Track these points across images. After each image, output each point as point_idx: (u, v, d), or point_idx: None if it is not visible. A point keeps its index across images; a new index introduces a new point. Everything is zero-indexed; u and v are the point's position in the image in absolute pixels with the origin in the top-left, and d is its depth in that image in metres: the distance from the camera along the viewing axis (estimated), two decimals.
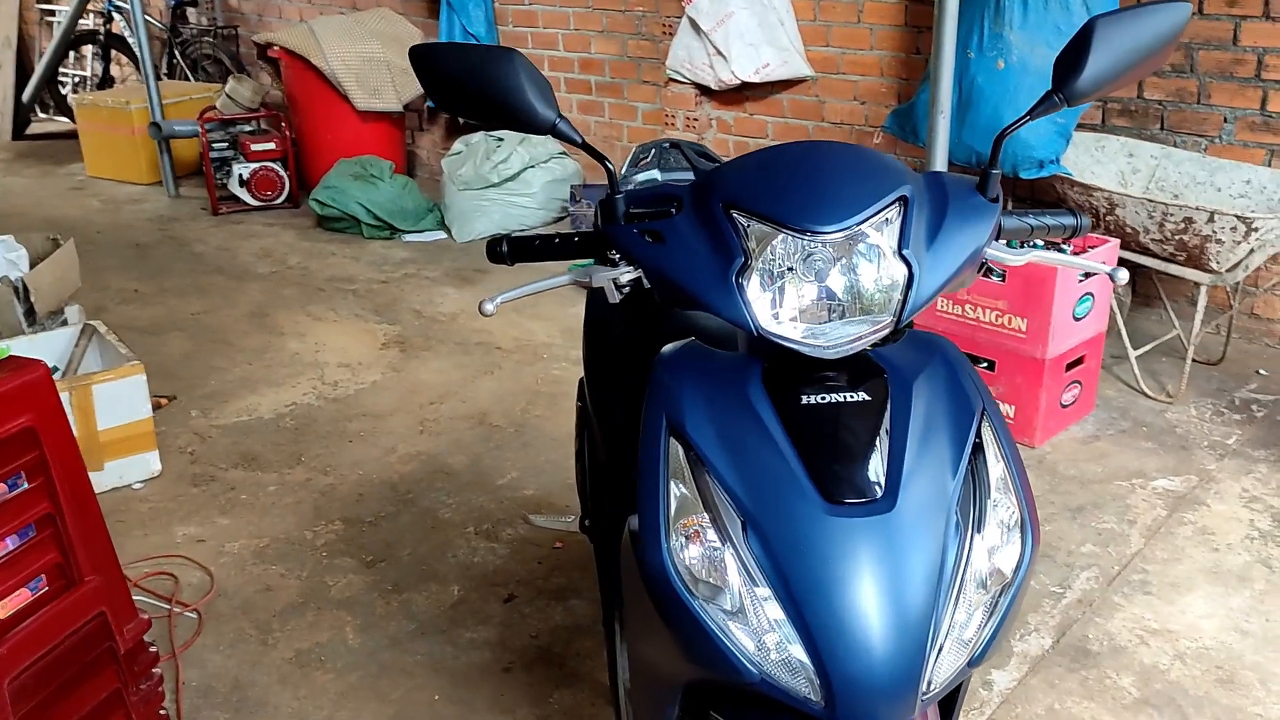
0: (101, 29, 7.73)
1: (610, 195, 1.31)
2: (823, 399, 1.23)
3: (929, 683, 1.17)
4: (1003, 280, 3.07)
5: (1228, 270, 3.31)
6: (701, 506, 1.20)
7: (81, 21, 7.75)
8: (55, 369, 3.15)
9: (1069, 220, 1.42)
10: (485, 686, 2.32)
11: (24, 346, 3.06)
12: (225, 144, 5.93)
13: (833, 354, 1.23)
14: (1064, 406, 3.27)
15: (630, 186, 2.07)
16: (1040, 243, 1.54)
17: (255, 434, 3.44)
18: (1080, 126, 3.90)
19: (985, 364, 3.21)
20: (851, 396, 1.23)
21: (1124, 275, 1.35)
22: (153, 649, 2.01)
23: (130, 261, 5.14)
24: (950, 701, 1.39)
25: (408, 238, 5.35)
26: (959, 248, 1.26)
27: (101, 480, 2.95)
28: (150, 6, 7.67)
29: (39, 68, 7.77)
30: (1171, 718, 2.20)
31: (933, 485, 1.21)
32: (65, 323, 3.50)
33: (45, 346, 3.21)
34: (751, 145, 4.98)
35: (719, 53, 4.64)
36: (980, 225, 1.28)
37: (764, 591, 1.17)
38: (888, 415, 1.24)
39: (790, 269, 1.23)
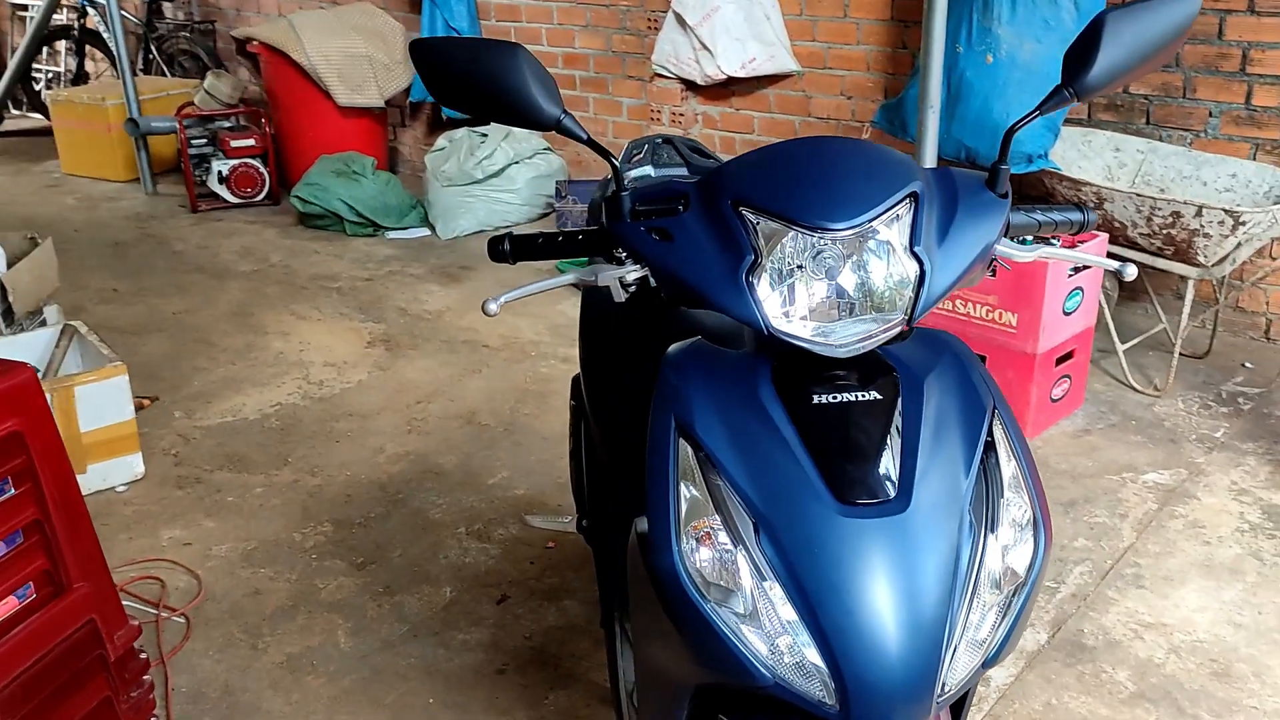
0: (75, 24, 7.62)
1: (616, 192, 1.28)
2: (834, 398, 1.21)
3: (944, 684, 1.16)
4: (993, 275, 3.06)
5: (1215, 264, 3.32)
6: (712, 508, 1.19)
7: (55, 16, 7.64)
8: (36, 371, 3.10)
9: (1076, 216, 1.41)
10: (480, 689, 2.30)
11: (3, 348, 3.00)
12: (204, 140, 5.86)
13: (844, 353, 1.21)
14: (1054, 401, 3.27)
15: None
16: (1030, 239, 1.53)
17: (240, 435, 3.39)
18: (1067, 121, 3.90)
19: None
20: (863, 395, 1.22)
21: (1132, 271, 1.34)
22: (143, 656, 1.98)
23: (108, 260, 5.07)
24: (959, 701, 1.38)
25: (391, 235, 5.30)
26: (970, 244, 1.24)
27: (84, 483, 2.88)
28: (125, 1, 7.56)
29: (12, 64, 7.65)
30: (1168, 711, 2.20)
31: (945, 485, 1.19)
32: (44, 323, 3.44)
33: (25, 348, 3.15)
34: (738, 140, 4.96)
35: (705, 47, 4.62)
36: (990, 221, 1.26)
37: (777, 594, 1.15)
38: (899, 414, 1.22)
39: (800, 267, 1.21)
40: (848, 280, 1.21)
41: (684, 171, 2.11)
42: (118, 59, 6.00)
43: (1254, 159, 3.71)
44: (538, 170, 5.31)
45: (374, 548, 2.80)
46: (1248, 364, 3.72)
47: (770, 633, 1.16)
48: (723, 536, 1.18)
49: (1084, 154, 3.80)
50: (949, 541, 1.17)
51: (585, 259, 1.50)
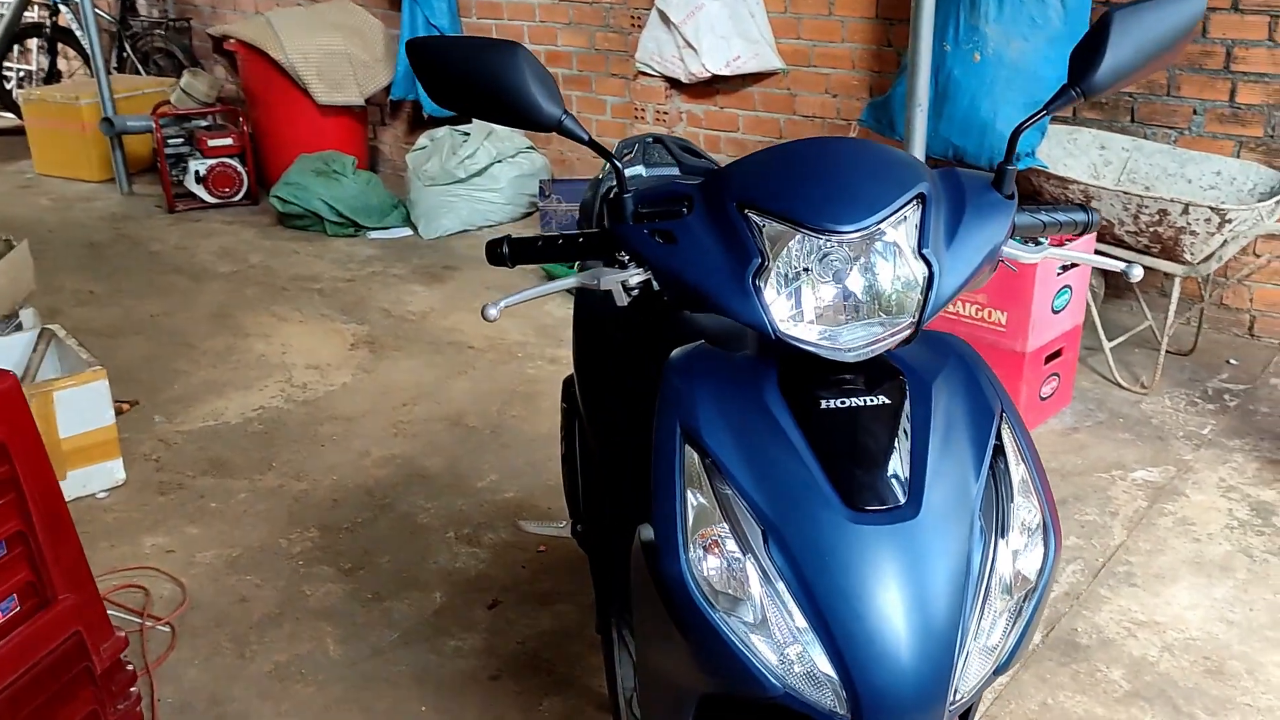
0: (47, 22, 7.52)
1: (619, 194, 1.26)
2: (842, 403, 1.19)
3: (956, 692, 1.15)
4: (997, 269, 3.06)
5: (1201, 262, 3.33)
6: (720, 516, 1.17)
7: (26, 14, 7.53)
8: (17, 378, 3.04)
9: (1080, 216, 1.40)
10: (473, 696, 2.27)
11: None
12: (181, 140, 5.78)
13: (852, 357, 1.20)
14: (1043, 399, 3.28)
15: (613, 182, 2.03)
16: (1034, 239, 1.52)
17: (223, 439, 3.35)
18: (1053, 119, 3.90)
19: None
20: (870, 400, 1.20)
21: (1138, 272, 1.33)
22: (129, 667, 1.94)
23: (84, 262, 5.00)
24: (966, 710, 1.36)
25: (372, 235, 5.25)
26: (978, 245, 1.23)
27: (64, 490, 2.80)
28: None
29: None
30: (1163, 710, 2.20)
31: (955, 490, 1.18)
32: (20, 327, 3.38)
33: (1, 352, 3.10)
34: (722, 139, 4.95)
35: (689, 45, 4.60)
36: (998, 222, 1.25)
37: (787, 602, 1.13)
38: (907, 418, 1.21)
39: (806, 269, 1.20)
40: (855, 283, 1.19)
41: (676, 171, 2.09)
42: (91, 57, 5.91)
43: (1238, 156, 3.72)
44: (521, 169, 5.28)
45: (362, 553, 2.76)
46: (1232, 360, 3.74)
47: (780, 642, 1.14)
48: (731, 544, 1.16)
49: (1070, 152, 3.80)
50: (960, 547, 1.16)
51: (573, 262, 1.47)
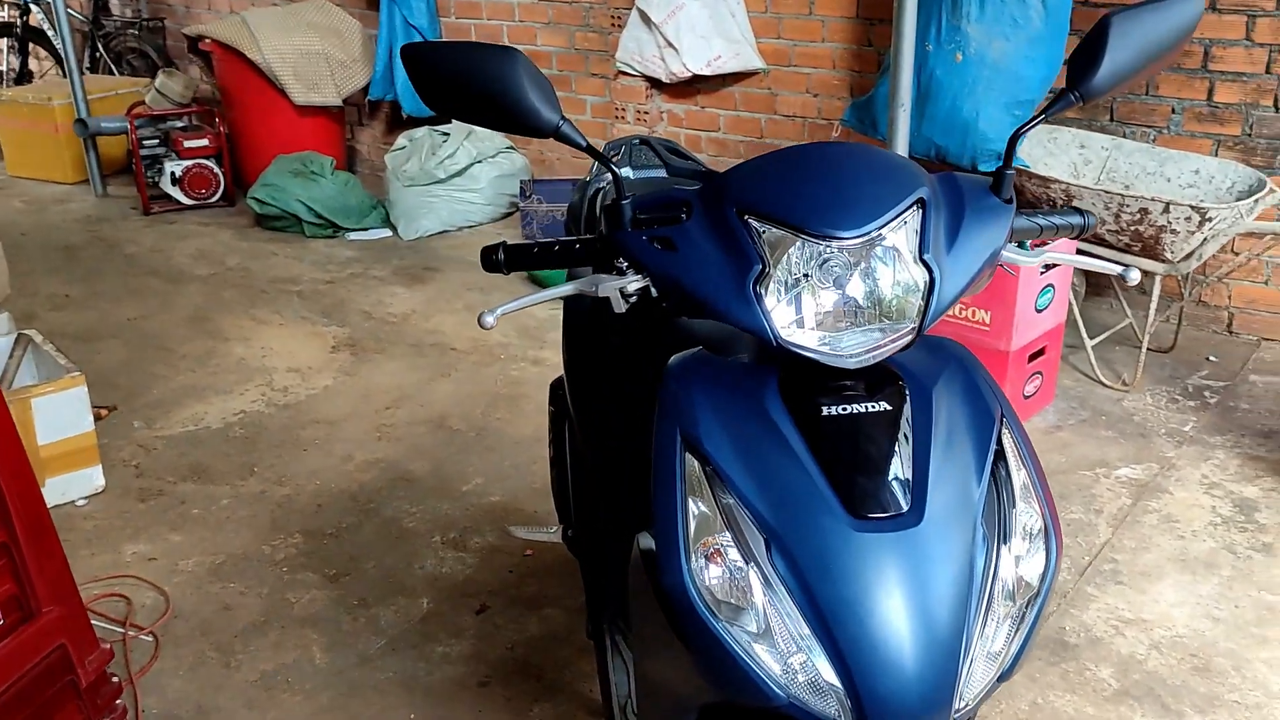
0: (18, 22, 7.41)
1: (616, 200, 1.25)
2: (843, 410, 1.19)
3: (961, 699, 1.14)
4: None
5: (1181, 260, 3.36)
6: (722, 525, 1.16)
7: None
8: None
9: (1076, 220, 1.40)
10: (462, 703, 2.26)
11: None
12: (156, 141, 5.72)
13: (853, 364, 1.19)
14: (1026, 398, 3.29)
15: (602, 185, 2.02)
16: (1019, 242, 1.52)
17: (203, 444, 3.31)
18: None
19: None
20: (872, 406, 1.20)
21: (1135, 275, 1.33)
22: (114, 679, 1.91)
23: (59, 265, 4.94)
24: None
25: (351, 236, 5.21)
26: (978, 250, 1.23)
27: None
28: None
29: None
30: (1152, 708, 2.21)
31: (957, 496, 1.17)
32: None
33: None
34: (703, 139, 4.94)
35: (670, 45, 4.59)
36: (997, 227, 1.25)
37: (791, 612, 1.13)
38: (908, 424, 1.20)
39: (806, 275, 1.19)
40: (856, 289, 1.19)
41: (663, 173, 2.08)
42: (64, 57, 5.84)
43: (1216, 155, 3.75)
44: (501, 169, 5.25)
45: (347, 559, 2.74)
46: (1212, 357, 3.77)
47: (783, 651, 1.13)
48: (733, 553, 1.15)
49: (1050, 151, 3.82)
50: (963, 553, 1.15)
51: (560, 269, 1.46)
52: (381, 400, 3.56)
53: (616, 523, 1.59)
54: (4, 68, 7.86)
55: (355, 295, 4.49)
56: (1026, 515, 1.21)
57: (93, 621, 2.42)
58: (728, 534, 1.15)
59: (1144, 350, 3.50)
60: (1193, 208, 3.16)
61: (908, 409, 1.21)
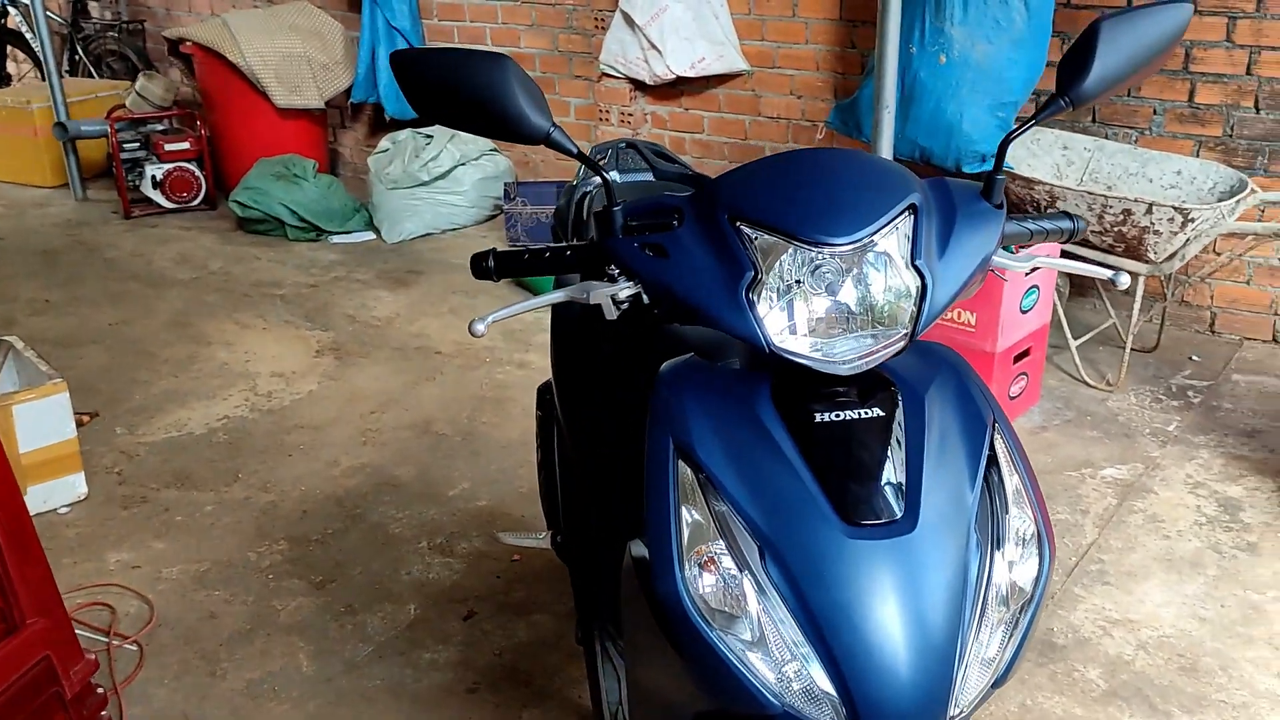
0: None
1: (607, 207, 1.24)
2: (836, 416, 1.18)
3: (956, 705, 1.14)
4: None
5: (1164, 260, 3.37)
6: (715, 533, 1.15)
7: None
8: None
9: (1066, 224, 1.41)
10: (450, 710, 2.24)
11: None
12: (136, 144, 5.67)
13: (846, 370, 1.19)
14: (1012, 399, 3.30)
15: (589, 189, 2.01)
16: (1009, 247, 1.52)
17: (187, 450, 3.28)
18: (1017, 119, 3.93)
19: None
20: (865, 413, 1.19)
21: (1125, 279, 1.34)
22: (100, 690, 1.89)
23: (39, 270, 4.89)
24: None
25: (335, 239, 5.19)
26: (969, 256, 1.23)
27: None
28: (49, 0, 7.31)
29: None
30: (1140, 709, 2.22)
31: (951, 502, 1.17)
32: None
33: None
34: (688, 140, 4.94)
35: (654, 47, 4.59)
36: (988, 232, 1.25)
37: (785, 619, 1.12)
38: (901, 429, 1.20)
39: (798, 282, 1.19)
40: (848, 295, 1.19)
41: (650, 176, 2.07)
42: (43, 61, 5.79)
43: (1197, 155, 3.78)
44: (484, 171, 5.24)
45: (333, 565, 2.72)
46: (1195, 357, 3.79)
47: (778, 659, 1.13)
48: (727, 561, 1.14)
49: (1033, 152, 3.83)
50: (956, 560, 1.15)
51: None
52: (366, 405, 3.54)
53: (608, 530, 1.58)
54: None
55: (339, 299, 4.47)
56: (1019, 520, 1.21)
57: (77, 631, 2.41)
58: (721, 542, 1.15)
59: (1128, 350, 3.52)
60: (1175, 209, 3.18)
61: (900, 415, 1.21)
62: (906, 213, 1.20)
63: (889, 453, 1.18)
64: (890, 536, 1.13)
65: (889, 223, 1.18)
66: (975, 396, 1.26)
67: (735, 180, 1.25)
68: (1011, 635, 1.19)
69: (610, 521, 1.59)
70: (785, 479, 1.16)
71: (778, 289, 1.18)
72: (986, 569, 1.17)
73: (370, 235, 5.22)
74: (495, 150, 5.33)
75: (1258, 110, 3.67)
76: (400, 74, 1.25)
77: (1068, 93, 1.26)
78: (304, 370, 3.81)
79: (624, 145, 2.13)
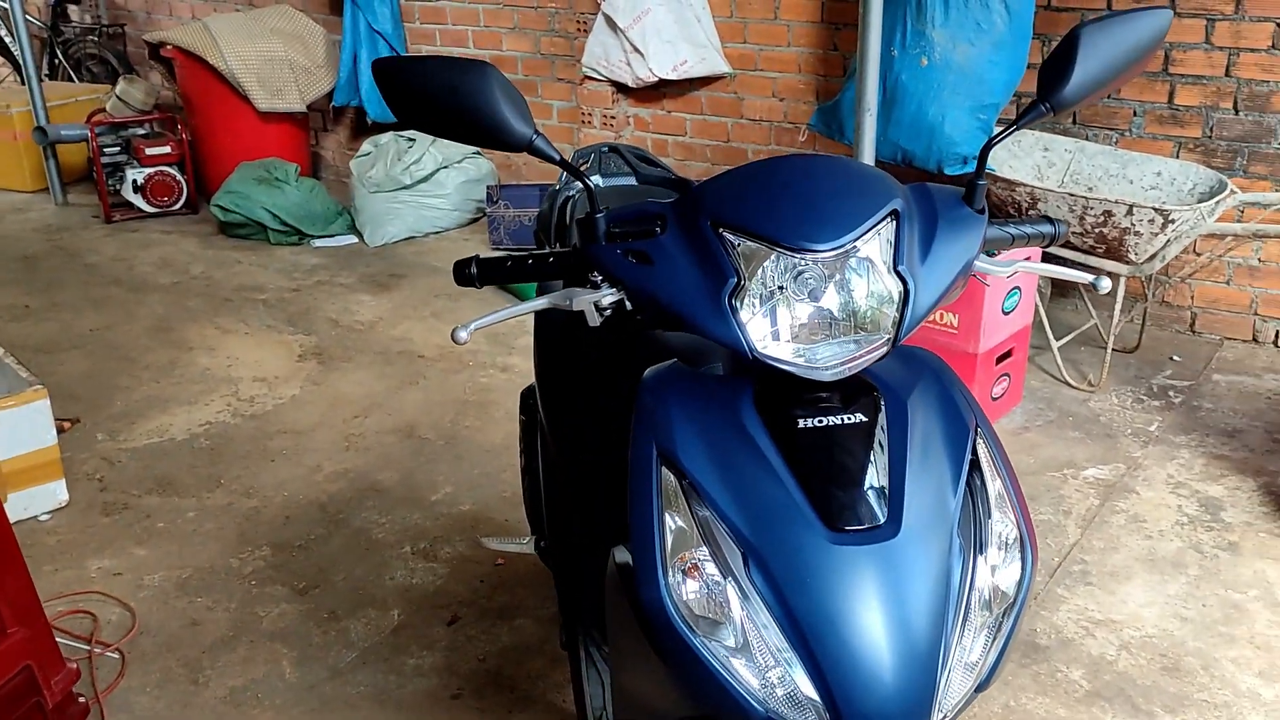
0: None
1: (590, 214, 1.24)
2: (819, 422, 1.19)
3: (940, 710, 1.15)
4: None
5: (1145, 261, 3.40)
6: (699, 539, 1.15)
7: None
8: None
9: (1047, 229, 1.41)
10: (434, 715, 2.23)
11: None
12: (117, 148, 5.64)
13: (829, 376, 1.19)
14: (994, 400, 3.31)
15: (572, 194, 2.01)
16: (991, 251, 1.52)
17: (169, 456, 3.26)
18: (999, 122, 3.95)
19: None
20: (848, 418, 1.20)
21: (1106, 284, 1.34)
22: (81, 699, 1.87)
23: (18, 275, 4.85)
24: None
25: (317, 243, 5.17)
26: (951, 261, 1.23)
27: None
28: (29, 4, 7.26)
29: None
30: (1123, 709, 2.23)
31: (934, 507, 1.18)
32: None
33: None
34: (670, 143, 4.94)
35: (636, 50, 4.59)
36: (970, 237, 1.25)
37: (769, 625, 1.12)
38: (884, 435, 1.20)
39: (781, 288, 1.19)
40: (831, 301, 1.19)
41: (633, 180, 2.07)
42: (22, 64, 5.75)
43: (1177, 157, 3.80)
44: (467, 175, 5.23)
45: (316, 571, 2.71)
46: (1175, 357, 3.82)
47: (761, 665, 1.13)
48: (710, 568, 1.14)
49: (1014, 154, 3.85)
50: (939, 565, 1.16)
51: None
52: (349, 409, 3.53)
53: (592, 536, 1.58)
54: None
55: (321, 303, 4.45)
56: (1002, 525, 1.22)
57: (58, 640, 2.39)
58: (705, 548, 1.15)
59: (1109, 351, 3.54)
60: (1156, 210, 3.20)
61: (883, 420, 1.21)
62: (888, 218, 1.20)
63: (872, 458, 1.18)
64: (873, 542, 1.14)
65: (871, 229, 1.18)
66: (958, 401, 1.26)
67: (718, 187, 1.25)
68: (995, 639, 1.19)
69: (594, 527, 1.59)
70: (768, 485, 1.16)
71: (760, 295, 1.18)
72: (969, 573, 1.17)
73: (352, 239, 5.21)
74: (478, 153, 5.32)
75: (1236, 111, 3.70)
76: (382, 83, 1.24)
77: (1049, 98, 1.27)
78: (286, 375, 3.79)
79: (607, 149, 2.13)
